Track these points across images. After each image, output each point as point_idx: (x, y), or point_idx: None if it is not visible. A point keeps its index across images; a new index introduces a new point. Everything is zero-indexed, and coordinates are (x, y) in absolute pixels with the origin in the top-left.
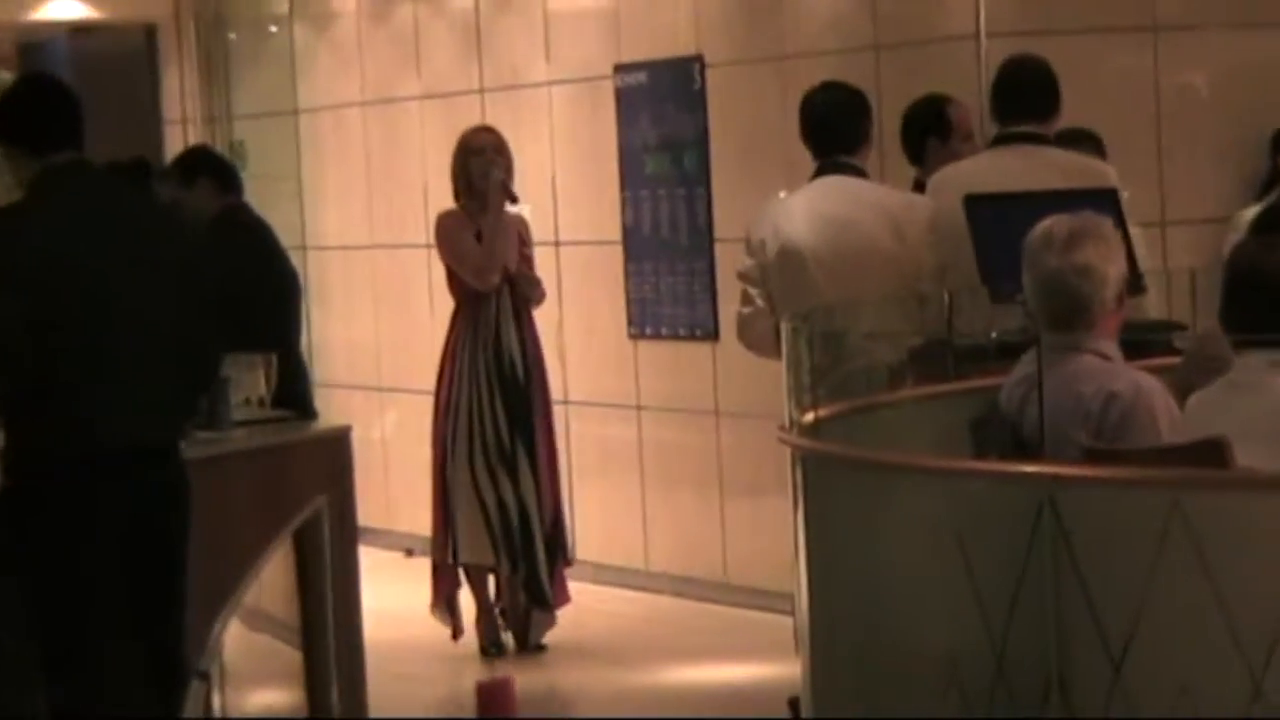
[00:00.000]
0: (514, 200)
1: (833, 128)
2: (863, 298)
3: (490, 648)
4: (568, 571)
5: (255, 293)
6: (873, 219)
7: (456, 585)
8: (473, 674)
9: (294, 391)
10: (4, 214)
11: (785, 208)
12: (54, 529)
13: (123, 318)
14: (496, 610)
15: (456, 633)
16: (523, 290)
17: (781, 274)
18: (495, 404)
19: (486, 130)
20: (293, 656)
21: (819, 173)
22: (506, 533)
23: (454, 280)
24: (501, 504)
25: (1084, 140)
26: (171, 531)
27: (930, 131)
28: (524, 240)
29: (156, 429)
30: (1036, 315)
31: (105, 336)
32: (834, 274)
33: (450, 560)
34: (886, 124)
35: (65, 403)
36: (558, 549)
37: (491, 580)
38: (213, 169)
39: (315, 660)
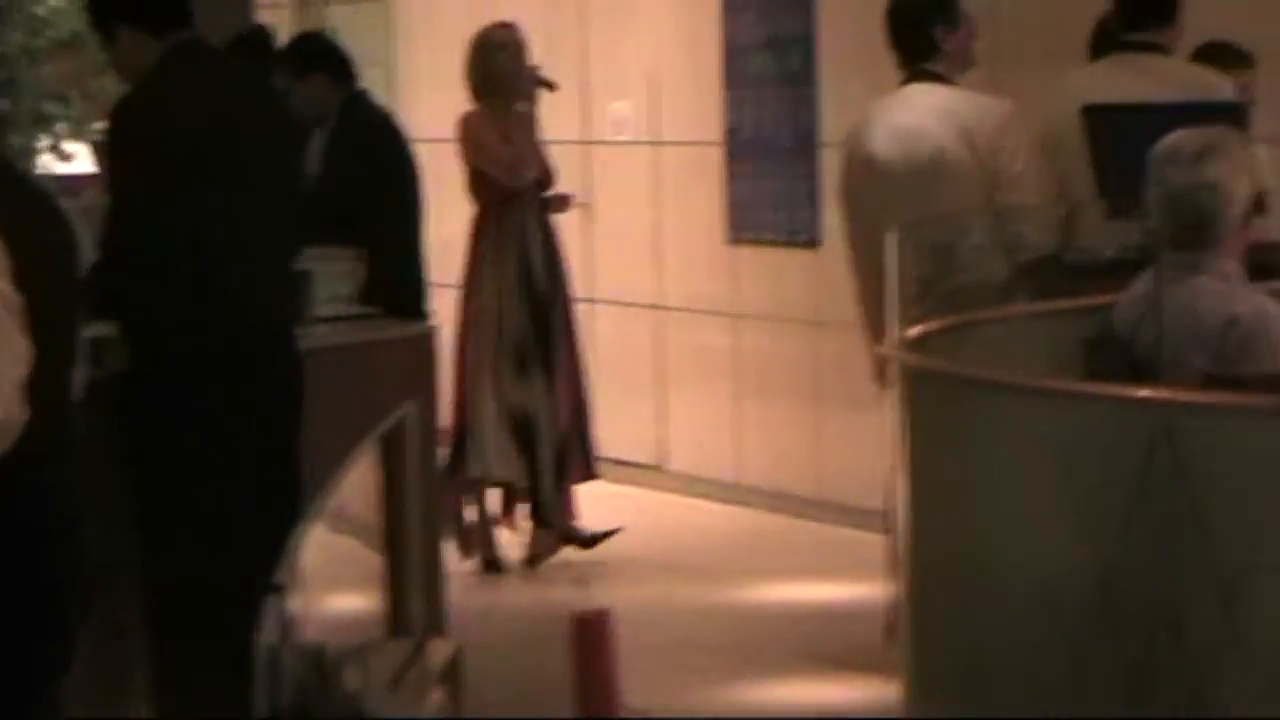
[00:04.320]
0: (553, 88)
1: (905, 34)
2: (938, 210)
3: (489, 564)
4: (659, 481)
5: (377, 186)
6: (941, 127)
7: (469, 501)
8: (533, 590)
9: (407, 290)
10: (143, 103)
11: (867, 118)
12: (187, 412)
13: (254, 203)
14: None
15: (465, 551)
16: (552, 203)
17: (864, 186)
18: (520, 312)
19: (506, 26)
20: (374, 560)
21: (905, 80)
22: (523, 443)
23: (478, 184)
24: (523, 413)
25: (1226, 55)
26: (295, 421)
27: None
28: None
29: (287, 313)
30: (1158, 232)
31: (242, 222)
32: (907, 186)
33: (473, 475)
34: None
35: (208, 288)
36: (571, 465)
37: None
38: (328, 60)
39: (398, 570)
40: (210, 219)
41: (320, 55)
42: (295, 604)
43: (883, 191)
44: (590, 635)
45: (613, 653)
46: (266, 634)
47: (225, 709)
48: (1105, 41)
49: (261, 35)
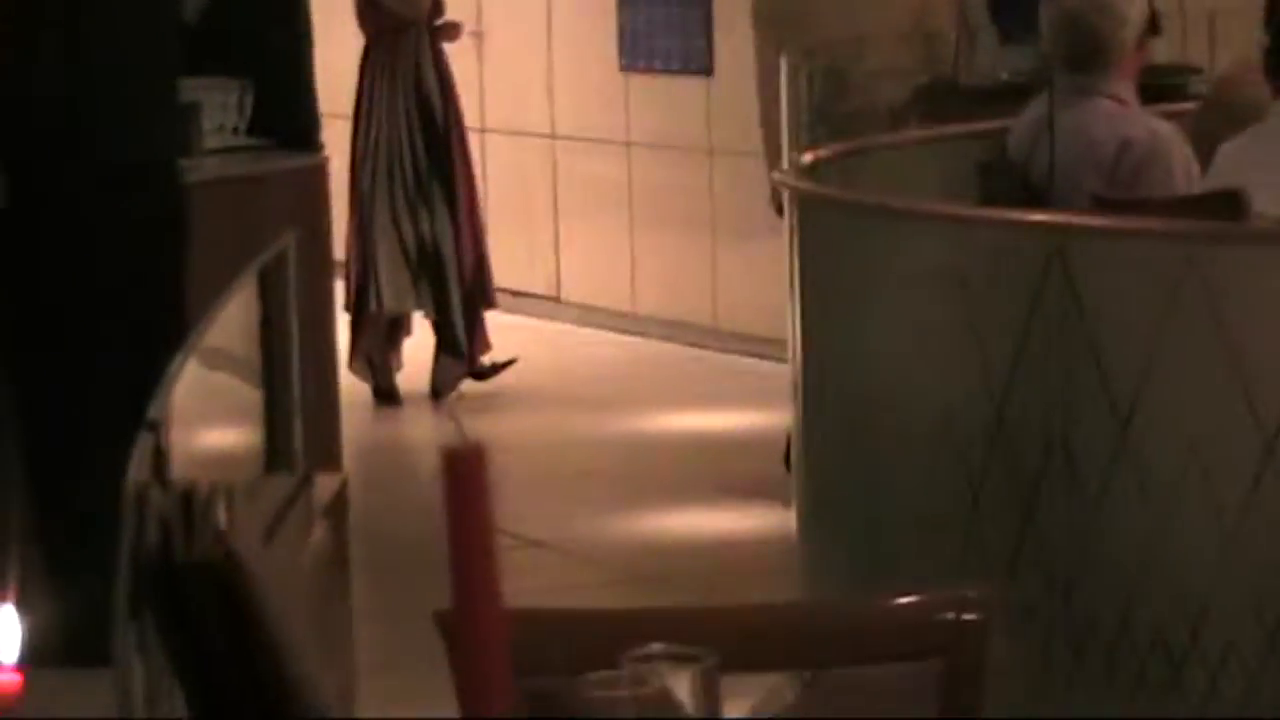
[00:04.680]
0: None
1: None
2: (868, 31)
3: (388, 396)
4: (554, 312)
5: (265, 15)
6: None
7: (377, 337)
8: (433, 422)
9: (297, 121)
10: None
11: None
12: (53, 247)
13: (128, 26)
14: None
15: (379, 389)
16: (443, 31)
17: (785, 6)
18: (415, 143)
19: None
20: (254, 396)
21: None
22: (425, 273)
23: (368, 15)
24: (420, 243)
25: None
26: (177, 255)
27: None
28: None
29: (168, 144)
30: (1051, 55)
31: (113, 47)
32: (833, 6)
33: (375, 308)
34: None
35: (75, 117)
36: (478, 295)
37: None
38: None
39: (277, 405)
40: (77, 41)
41: None
42: (169, 440)
43: (805, 12)
44: (461, 471)
45: (486, 488)
46: (136, 469)
47: (97, 546)
48: None
49: None
